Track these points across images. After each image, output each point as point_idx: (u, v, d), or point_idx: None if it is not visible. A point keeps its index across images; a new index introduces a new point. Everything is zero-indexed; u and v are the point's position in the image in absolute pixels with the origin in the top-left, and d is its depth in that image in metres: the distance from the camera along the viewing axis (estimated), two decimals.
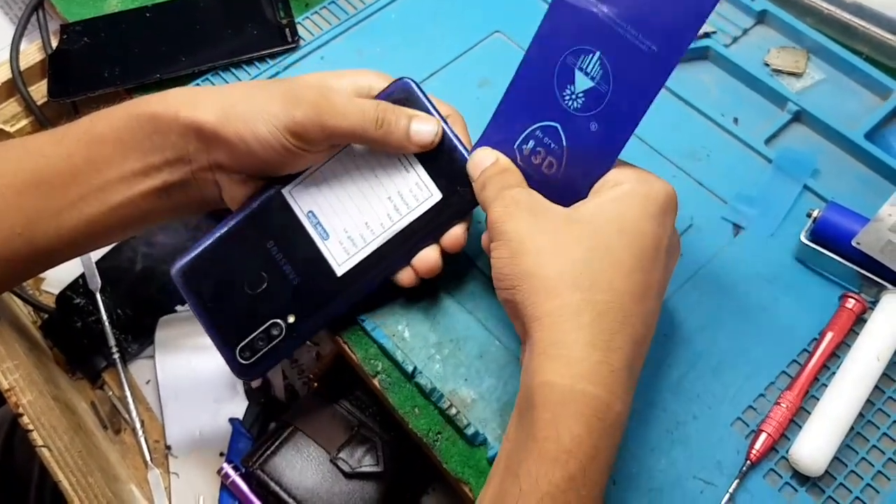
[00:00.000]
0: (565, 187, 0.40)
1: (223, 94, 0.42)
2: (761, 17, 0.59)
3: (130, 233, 0.47)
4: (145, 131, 0.42)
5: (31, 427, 0.52)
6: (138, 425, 0.63)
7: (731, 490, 0.41)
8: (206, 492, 0.61)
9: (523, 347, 0.39)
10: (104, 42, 0.60)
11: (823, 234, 0.47)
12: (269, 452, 0.54)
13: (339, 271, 0.44)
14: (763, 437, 0.42)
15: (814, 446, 0.41)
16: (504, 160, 0.42)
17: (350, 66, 0.50)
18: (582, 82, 0.39)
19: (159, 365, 0.66)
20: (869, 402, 0.43)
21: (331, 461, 0.54)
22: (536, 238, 0.37)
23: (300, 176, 0.45)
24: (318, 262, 0.44)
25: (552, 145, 0.41)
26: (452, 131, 0.44)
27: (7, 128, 0.64)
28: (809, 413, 0.43)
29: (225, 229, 0.45)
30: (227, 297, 0.45)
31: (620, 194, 0.38)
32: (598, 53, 0.39)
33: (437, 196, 0.44)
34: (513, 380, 0.45)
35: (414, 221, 0.44)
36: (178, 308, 0.67)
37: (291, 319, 0.44)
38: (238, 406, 0.64)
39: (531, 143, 0.41)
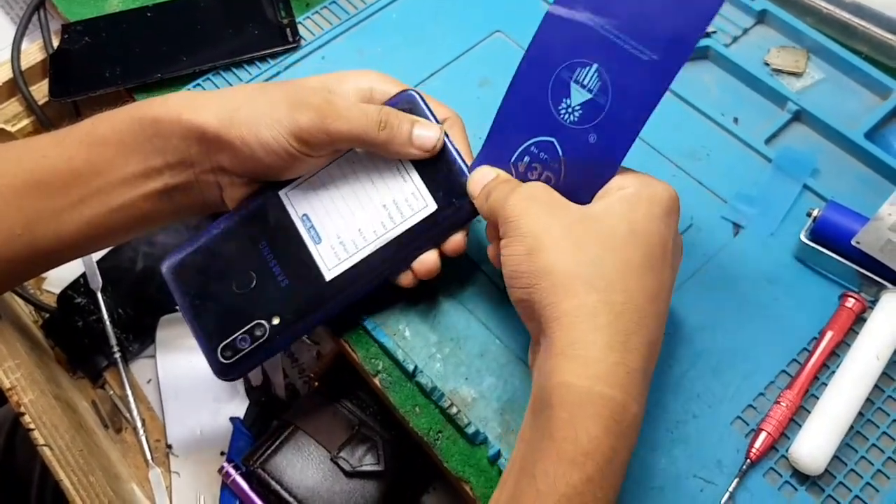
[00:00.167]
0: (566, 198, 0.40)
1: (226, 99, 0.42)
2: (761, 17, 0.59)
3: (132, 235, 0.47)
4: (147, 134, 0.42)
5: (32, 426, 0.52)
6: (139, 424, 0.63)
7: (731, 489, 0.41)
8: (206, 491, 0.61)
9: (534, 347, 0.39)
10: (105, 42, 0.60)
11: (823, 233, 0.47)
12: (269, 451, 0.54)
13: (329, 276, 0.44)
14: (763, 435, 0.42)
15: (814, 445, 0.41)
16: (504, 174, 0.42)
17: (351, 66, 0.50)
18: (579, 95, 0.39)
19: (160, 364, 0.66)
20: (869, 400, 0.43)
21: (331, 460, 0.54)
22: (553, 233, 0.37)
23: (298, 179, 0.45)
24: (309, 265, 0.44)
25: (548, 160, 0.41)
26: (453, 144, 0.44)
27: (8, 127, 0.64)
28: (809, 412, 0.43)
29: (218, 229, 0.45)
30: (214, 295, 0.44)
31: (627, 195, 0.38)
32: (595, 66, 0.38)
33: (432, 206, 0.44)
34: (513, 379, 0.45)
35: (407, 230, 0.44)
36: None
37: (276, 321, 0.44)
38: (239, 405, 0.64)
39: (526, 159, 0.41)
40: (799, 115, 0.54)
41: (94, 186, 0.42)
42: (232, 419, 0.62)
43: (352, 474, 0.54)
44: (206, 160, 0.42)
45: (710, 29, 0.58)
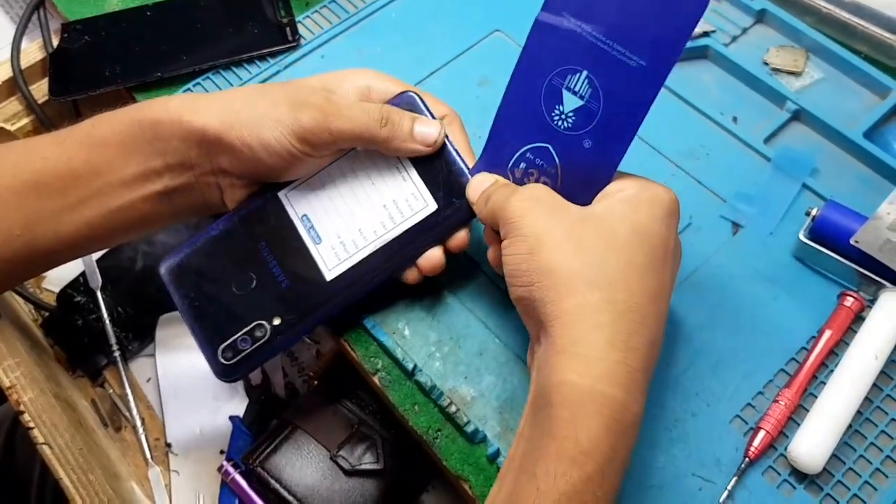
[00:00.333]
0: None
1: (226, 100, 0.42)
2: (760, 17, 0.59)
3: (132, 236, 0.47)
4: (147, 136, 0.42)
5: (32, 425, 0.52)
6: (139, 423, 0.63)
7: (729, 487, 0.41)
8: (206, 489, 0.61)
9: (533, 346, 0.39)
10: (105, 41, 0.60)
11: (822, 232, 0.47)
12: (269, 450, 0.54)
13: (329, 276, 0.44)
14: (761, 434, 0.42)
15: (812, 444, 0.41)
16: (503, 179, 0.42)
17: (350, 65, 0.50)
18: (571, 101, 0.40)
19: (160, 363, 0.66)
20: (867, 399, 0.43)
21: (331, 459, 0.54)
22: (555, 233, 0.37)
23: (297, 179, 0.45)
24: (309, 265, 0.44)
25: (545, 165, 0.41)
26: (452, 145, 0.44)
27: (8, 126, 0.64)
28: (808, 411, 0.43)
29: (217, 230, 0.45)
30: (214, 296, 0.44)
31: (629, 197, 0.38)
32: (585, 72, 0.39)
33: (432, 206, 0.44)
34: (512, 377, 0.45)
35: (408, 230, 0.44)
36: None
37: (277, 322, 0.44)
38: (238, 404, 0.64)
39: (523, 165, 0.42)
40: (798, 115, 0.54)
41: (94, 187, 0.42)
42: (231, 418, 0.63)
43: (351, 473, 0.54)
44: (206, 162, 0.42)
45: (709, 28, 0.58)
